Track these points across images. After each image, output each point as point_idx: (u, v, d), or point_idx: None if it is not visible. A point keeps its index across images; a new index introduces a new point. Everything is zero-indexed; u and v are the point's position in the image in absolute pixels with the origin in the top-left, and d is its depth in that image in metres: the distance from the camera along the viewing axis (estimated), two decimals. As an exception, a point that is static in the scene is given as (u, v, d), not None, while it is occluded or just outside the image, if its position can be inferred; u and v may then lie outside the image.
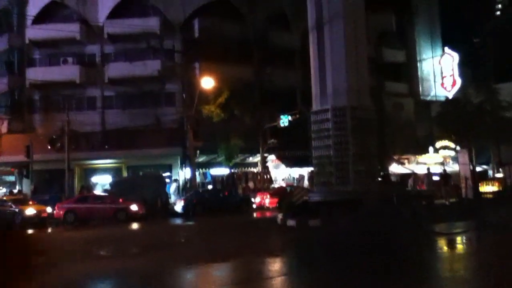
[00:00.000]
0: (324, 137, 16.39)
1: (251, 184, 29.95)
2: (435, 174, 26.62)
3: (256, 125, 28.48)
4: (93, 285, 8.11)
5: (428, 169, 27.30)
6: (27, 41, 30.85)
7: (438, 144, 31.44)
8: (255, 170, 31.26)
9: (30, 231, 18.74)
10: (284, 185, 28.60)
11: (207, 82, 25.23)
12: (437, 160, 32.65)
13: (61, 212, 21.09)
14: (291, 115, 27.73)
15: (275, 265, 9.33)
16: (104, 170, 30.24)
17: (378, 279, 7.13)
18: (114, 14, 30.29)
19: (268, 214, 20.94)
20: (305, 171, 28.75)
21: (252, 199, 23.77)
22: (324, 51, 16.64)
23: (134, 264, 9.62)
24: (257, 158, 30.61)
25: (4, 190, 29.77)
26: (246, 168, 31.54)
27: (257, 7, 32.03)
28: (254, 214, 21.81)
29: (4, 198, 24.16)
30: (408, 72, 38.84)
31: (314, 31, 17.11)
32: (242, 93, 27.86)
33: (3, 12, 32.05)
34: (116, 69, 29.85)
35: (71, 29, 29.67)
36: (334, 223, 13.27)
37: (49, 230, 19.74)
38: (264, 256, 9.85)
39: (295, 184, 28.51)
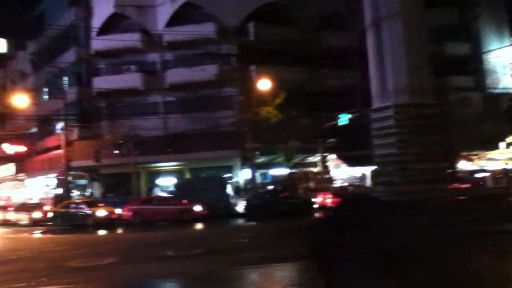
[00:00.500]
0: (385, 135, 16.01)
1: (311, 184, 29.77)
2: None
3: (314, 125, 28.30)
4: (159, 286, 8.37)
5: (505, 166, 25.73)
6: (92, 53, 32.59)
7: (510, 139, 29.66)
8: (315, 170, 31.06)
9: (101, 232, 19.83)
10: (345, 185, 28.17)
11: (264, 84, 25.38)
12: (509, 156, 30.80)
13: (129, 214, 22.08)
14: (350, 114, 27.30)
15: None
16: (168, 173, 31.31)
17: None
18: (172, 22, 31.24)
19: (329, 214, 20.69)
20: (367, 170, 28.17)
21: (313, 200, 23.58)
22: (383, 48, 16.27)
23: (198, 265, 9.85)
24: (316, 158, 30.41)
25: (77, 193, 31.64)
26: (305, 168, 31.42)
27: (310, 8, 31.84)
28: (316, 215, 21.65)
29: (78, 200, 25.70)
30: (473, 65, 36.96)
31: (372, 29, 16.77)
32: (299, 94, 27.82)
33: (71, 27, 34.09)
34: (175, 75, 30.76)
35: (132, 39, 30.99)
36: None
37: (119, 231, 20.70)
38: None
39: (356, 184, 27.98)
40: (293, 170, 30.25)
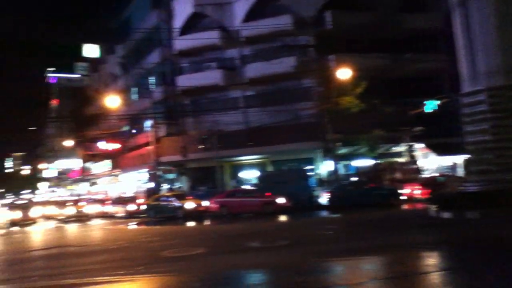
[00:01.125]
0: (478, 121, 14.96)
1: (397, 175, 28.66)
2: None
3: (398, 113, 27.14)
4: (247, 276, 8.52)
5: None
6: (175, 52, 34.03)
7: None
8: (400, 160, 29.88)
9: (190, 223, 20.72)
10: (435, 175, 26.73)
11: (343, 74, 24.83)
12: None
13: (215, 206, 22.84)
14: (438, 100, 25.79)
15: (432, 260, 8.79)
16: (250, 166, 31.89)
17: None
18: (249, 17, 31.60)
19: (418, 206, 19.84)
20: (458, 159, 26.49)
21: (400, 191, 22.71)
22: (471, 27, 15.15)
23: (283, 256, 9.91)
24: (402, 148, 29.21)
25: (166, 186, 33.38)
26: (391, 159, 30.33)
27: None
28: (403, 207, 20.86)
29: (168, 194, 27.12)
30: None
31: (458, 7, 15.66)
32: (381, 82, 26.82)
33: (155, 29, 35.88)
34: (254, 70, 31.12)
35: (211, 37, 31.86)
36: (496, 216, 11.99)
37: (206, 222, 21.51)
38: (419, 250, 9.36)
39: (447, 174, 26.44)
40: (378, 161, 29.33)
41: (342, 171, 29.10)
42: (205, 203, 24.00)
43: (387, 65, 28.85)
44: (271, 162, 31.33)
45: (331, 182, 26.48)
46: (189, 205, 23.42)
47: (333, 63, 28.03)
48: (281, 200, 21.51)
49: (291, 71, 29.14)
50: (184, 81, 32.96)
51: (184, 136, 31.94)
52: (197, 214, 23.33)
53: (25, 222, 29.07)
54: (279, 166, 30.35)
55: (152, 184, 31.03)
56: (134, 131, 37.96)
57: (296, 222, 18.57)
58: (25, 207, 31.69)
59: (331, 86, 25.71)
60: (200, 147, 29.12)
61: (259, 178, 26.23)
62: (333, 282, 7.40)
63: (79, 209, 30.31)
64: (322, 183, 27.69)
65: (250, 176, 31.21)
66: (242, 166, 32.52)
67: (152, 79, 36.47)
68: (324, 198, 23.25)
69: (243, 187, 27.71)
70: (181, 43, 32.91)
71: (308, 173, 26.00)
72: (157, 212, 24.86)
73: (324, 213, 21.46)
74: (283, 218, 19.99)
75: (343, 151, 28.85)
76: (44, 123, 76.91)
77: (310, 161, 30.06)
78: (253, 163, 31.81)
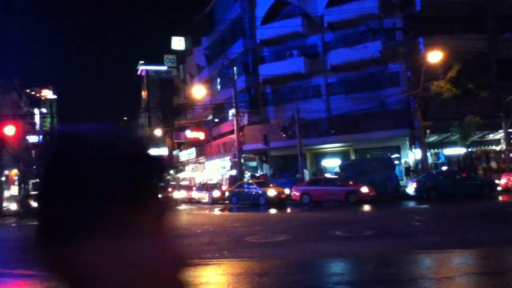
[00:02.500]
0: None
1: (493, 164, 26.57)
2: None
3: (494, 98, 25.06)
4: (332, 264, 8.38)
5: None
6: (258, 42, 34.30)
7: None
8: (497, 148, 27.63)
9: (272, 211, 20.92)
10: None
11: (434, 57, 23.40)
12: None
13: (298, 194, 22.82)
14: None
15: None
16: (332, 154, 31.41)
17: None
18: (332, 2, 30.89)
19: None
20: None
21: (496, 181, 21.02)
22: None
23: (368, 247, 9.62)
24: (499, 135, 26.98)
25: (248, 174, 33.99)
26: (486, 147, 28.17)
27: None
28: (500, 198, 19.32)
29: (250, 181, 27.60)
30: None
31: None
32: (475, 65, 24.86)
33: (238, 20, 36.43)
34: (337, 56, 30.44)
35: (294, 24, 31.62)
36: None
37: (288, 210, 21.58)
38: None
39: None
40: (471, 149, 27.39)
41: (431, 160, 27.60)
42: (287, 191, 24.12)
43: (483, 46, 26.70)
44: (354, 151, 30.60)
45: (419, 171, 25.22)
46: (271, 192, 23.64)
47: (422, 46, 26.53)
48: (365, 190, 20.93)
49: (376, 56, 28.04)
50: (266, 69, 33.17)
51: (266, 125, 32.23)
52: (279, 202, 23.50)
53: None
54: (362, 154, 29.56)
55: (234, 172, 31.74)
56: (217, 120, 39.05)
57: (381, 213, 17.95)
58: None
59: (420, 70, 24.34)
60: (282, 135, 29.16)
61: (342, 166, 25.71)
62: (421, 274, 6.99)
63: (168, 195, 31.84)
64: (409, 172, 26.49)
65: (332, 164, 30.76)
66: (324, 155, 32.16)
67: (235, 69, 37.15)
68: (411, 188, 22.23)
69: (326, 175, 27.35)
70: (263, 32, 33.12)
71: (394, 162, 24.98)
72: (240, 199, 25.42)
73: (411, 204, 20.53)
74: (367, 208, 19.45)
75: (432, 139, 27.33)
76: (136, 113, 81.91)
77: (396, 150, 28.90)
78: (335, 152, 31.31)
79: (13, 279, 8.32)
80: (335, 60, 30.55)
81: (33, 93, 71.82)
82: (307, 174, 28.35)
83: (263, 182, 26.12)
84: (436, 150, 28.29)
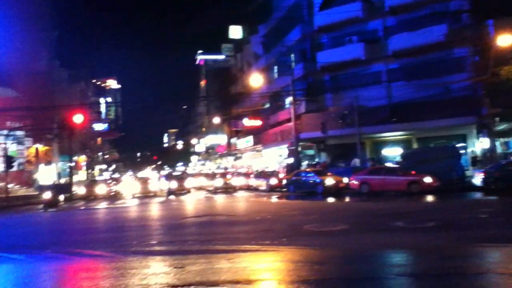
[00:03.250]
0: None
1: None
2: None
3: None
4: (392, 255, 8.19)
5: None
6: (316, 29, 33.78)
7: None
8: None
9: (330, 200, 20.74)
10: None
11: (504, 40, 21.94)
12: None
13: (356, 183, 22.44)
14: None
15: None
16: (393, 143, 30.52)
17: None
18: (394, -16, 29.74)
19: None
20: None
21: None
22: None
23: (431, 239, 9.30)
24: None
25: (305, 162, 33.87)
26: None
27: None
28: None
29: (308, 169, 27.50)
30: None
31: None
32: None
33: (296, 6, 36.04)
34: (399, 41, 29.33)
35: (353, 9, 30.78)
36: None
37: (347, 199, 21.29)
38: None
39: None
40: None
41: (500, 149, 26.09)
42: (345, 180, 23.79)
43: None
44: (417, 139, 29.55)
45: (487, 161, 23.94)
46: (329, 181, 23.42)
47: (491, 29, 24.96)
48: (428, 180, 20.19)
49: (441, 40, 26.77)
50: (324, 56, 32.69)
51: (324, 113, 31.86)
52: (337, 191, 23.26)
53: (180, 191, 32.21)
54: (425, 143, 28.45)
55: (291, 160, 31.72)
56: (274, 108, 39.07)
57: (445, 204, 17.25)
58: (180, 178, 35.02)
59: (489, 55, 22.95)
60: (340, 123, 28.71)
61: (403, 155, 24.91)
62: (489, 269, 6.67)
63: (226, 181, 32.41)
64: (476, 162, 25.21)
65: (392, 153, 29.92)
66: (384, 143, 31.34)
67: (292, 57, 36.89)
68: (477, 179, 21.15)
69: (387, 164, 26.65)
70: (321, 18, 32.55)
71: (459, 151, 23.86)
72: (297, 187, 25.41)
73: (478, 195, 19.55)
74: (430, 198, 18.77)
75: (501, 127, 25.79)
76: (195, 102, 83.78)
77: (462, 139, 27.58)
78: (396, 140, 30.41)
79: (84, 258, 8.85)
80: (396, 45, 29.49)
81: (98, 83, 75.41)
82: (357, 163, 27.65)
83: (321, 171, 25.93)
84: (505, 139, 26.68)
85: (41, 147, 42.20)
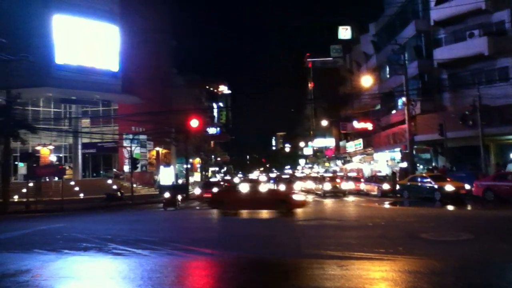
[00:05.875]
0: None
1: None
2: None
3: None
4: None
5: None
6: (432, 24, 31.72)
7: None
8: None
9: (449, 207, 19.24)
10: None
11: None
12: None
13: (480, 190, 20.54)
14: None
15: None
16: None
17: None
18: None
19: None
20: None
21: None
22: None
23: None
24: None
25: (421, 167, 31.89)
26: None
27: None
28: None
29: (424, 174, 25.84)
30: None
31: None
32: None
33: (410, 2, 34.25)
34: (529, 33, 26.33)
35: (475, 0, 28.30)
36: None
37: (468, 207, 19.59)
38: None
39: None
40: None
41: None
42: (467, 186, 21.91)
43: None
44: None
45: None
46: (449, 187, 21.73)
47: None
48: None
49: None
50: (442, 53, 30.59)
51: (441, 113, 29.77)
52: (457, 198, 21.49)
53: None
54: None
55: (405, 164, 30.11)
56: (386, 109, 37.50)
57: None
58: (289, 181, 35.27)
59: None
60: (461, 124, 26.54)
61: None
62: None
63: (336, 185, 31.74)
64: None
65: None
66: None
67: (405, 55, 35.10)
68: None
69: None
70: (438, 12, 30.50)
71: None
72: (412, 192, 24.03)
73: None
74: None
75: None
76: (302, 104, 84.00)
77: None
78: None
79: (197, 256, 9.27)
80: (528, 37, 26.47)
81: (211, 88, 79.31)
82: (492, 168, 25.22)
83: (439, 176, 24.17)
84: None
85: (161, 150, 45.61)
